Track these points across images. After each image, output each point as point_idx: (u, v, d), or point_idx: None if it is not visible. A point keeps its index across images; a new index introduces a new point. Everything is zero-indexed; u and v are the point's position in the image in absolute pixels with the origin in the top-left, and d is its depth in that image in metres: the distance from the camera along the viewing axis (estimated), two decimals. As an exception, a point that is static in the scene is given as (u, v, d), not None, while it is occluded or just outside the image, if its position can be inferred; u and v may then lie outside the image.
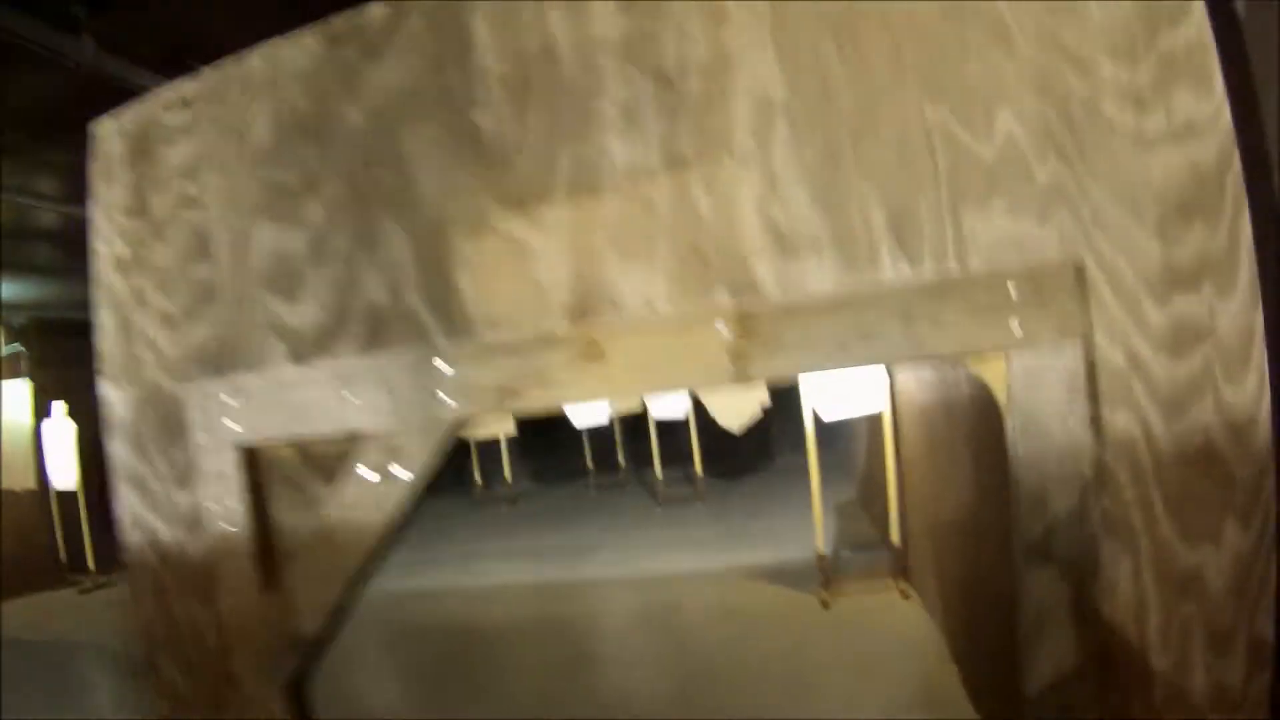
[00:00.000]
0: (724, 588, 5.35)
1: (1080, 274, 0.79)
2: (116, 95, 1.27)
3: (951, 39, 0.81)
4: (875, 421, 3.93)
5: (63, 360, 8.64)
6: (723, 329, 0.82)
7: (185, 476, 1.02)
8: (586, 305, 0.86)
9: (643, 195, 0.86)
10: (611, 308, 0.85)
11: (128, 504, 1.06)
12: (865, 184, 0.82)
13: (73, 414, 8.17)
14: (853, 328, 0.81)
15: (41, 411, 7.90)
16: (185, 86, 1.04)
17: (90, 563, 8.96)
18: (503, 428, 8.59)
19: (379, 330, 0.92)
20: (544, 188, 0.88)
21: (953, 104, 0.81)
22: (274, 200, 0.97)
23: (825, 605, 4.04)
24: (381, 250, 0.92)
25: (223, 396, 0.97)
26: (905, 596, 3.75)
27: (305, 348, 0.95)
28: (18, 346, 8.05)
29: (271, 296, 0.96)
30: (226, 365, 0.99)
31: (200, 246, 1.01)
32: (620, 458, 10.90)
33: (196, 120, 1.03)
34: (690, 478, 9.48)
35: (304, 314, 0.95)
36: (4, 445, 7.70)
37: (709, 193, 0.85)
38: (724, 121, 0.85)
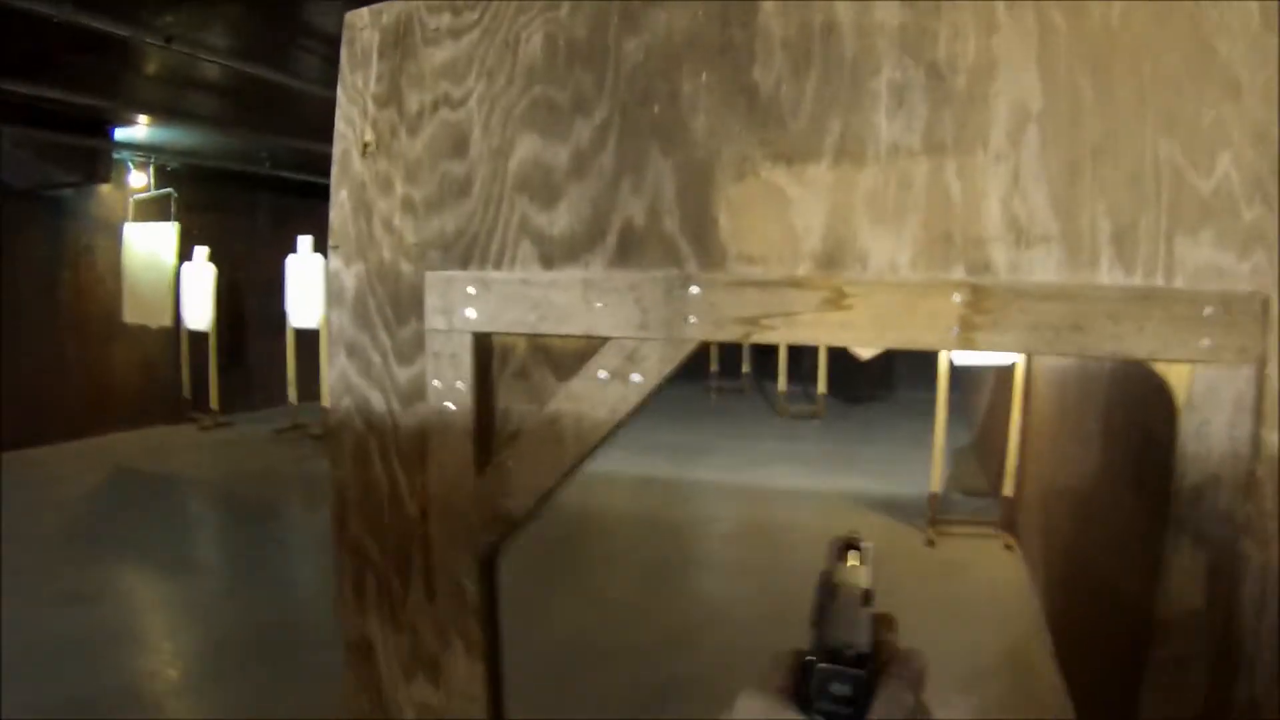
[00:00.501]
0: (830, 510, 5.49)
1: (1265, 307, 0.94)
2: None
3: (1190, 89, 0.95)
4: (1005, 374, 4.12)
5: (210, 207, 8.71)
6: (958, 300, 0.95)
7: (410, 354, 1.12)
8: (836, 257, 0.99)
9: (901, 170, 0.98)
10: (858, 264, 0.98)
11: (341, 370, 1.16)
12: (1097, 197, 0.96)
13: (213, 259, 8.24)
14: (1067, 318, 0.95)
15: (184, 255, 7.98)
16: None
17: (213, 402, 9.28)
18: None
19: (633, 248, 1.03)
20: (811, 148, 0.99)
21: (1183, 143, 0.95)
22: (541, 114, 1.07)
23: (930, 544, 4.21)
24: (645, 177, 1.03)
25: (466, 286, 1.07)
26: (1009, 549, 3.94)
27: (556, 253, 1.05)
28: (169, 190, 8.05)
29: (528, 201, 1.07)
30: (470, 258, 1.09)
31: (455, 144, 1.11)
32: (745, 364, 11.09)
33: (463, 26, 1.12)
34: (811, 395, 9.71)
35: (559, 222, 1.05)
36: (145, 284, 7.75)
37: (960, 179, 0.98)
38: (983, 119, 0.98)
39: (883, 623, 0.55)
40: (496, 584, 1.13)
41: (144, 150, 7.41)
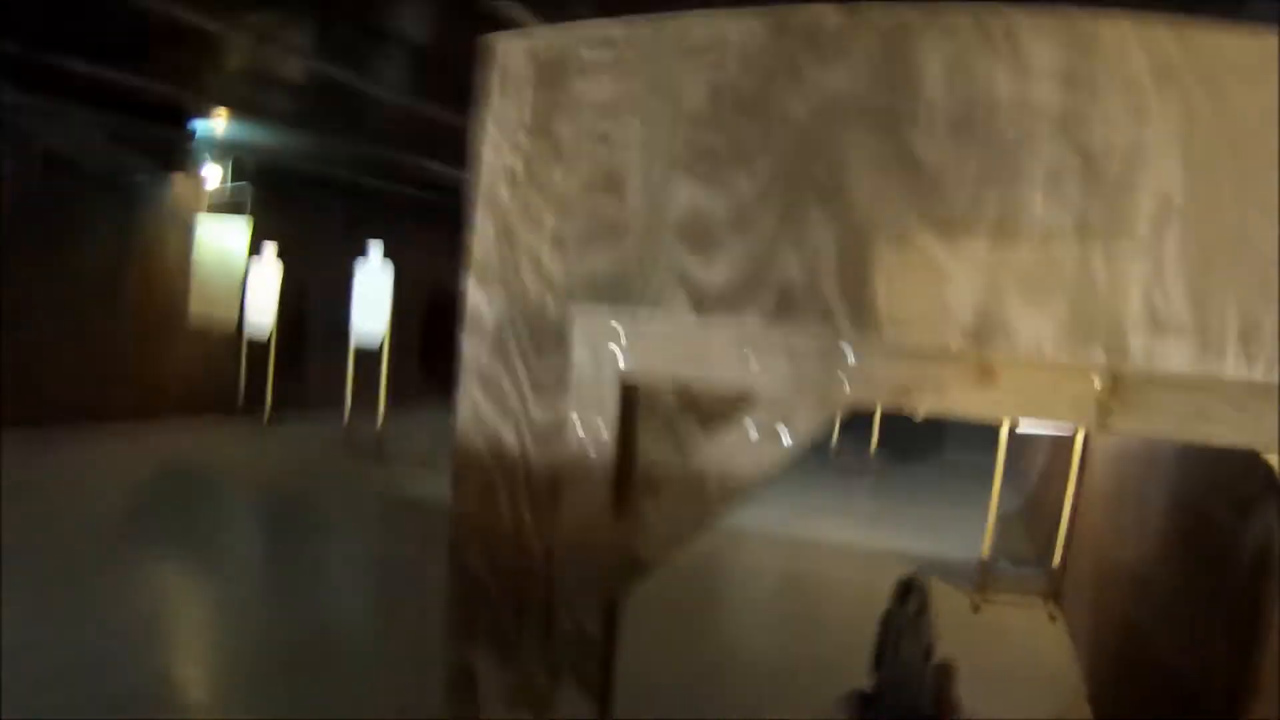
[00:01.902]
0: (877, 566, 5.55)
1: (1372, 403, 1.04)
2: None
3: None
4: (1062, 443, 4.23)
5: (281, 205, 8.76)
6: (1097, 383, 1.03)
7: (550, 391, 1.16)
8: (985, 332, 1.06)
9: (1052, 251, 1.06)
10: (1006, 340, 1.06)
11: (472, 401, 1.20)
12: (1228, 291, 1.05)
13: (280, 256, 8.27)
14: (1195, 407, 1.05)
15: (254, 249, 7.88)
16: (610, 28, 1.16)
17: (268, 399, 9.04)
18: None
19: (789, 306, 1.09)
20: (968, 223, 1.07)
21: (1312, 244, 1.04)
22: (699, 160, 1.12)
23: (975, 609, 4.28)
24: (805, 236, 1.09)
25: (613, 324, 1.11)
26: (1053, 620, 4.02)
27: (709, 301, 1.11)
28: (245, 183, 7.93)
29: (682, 247, 1.12)
30: (620, 298, 1.14)
31: (608, 182, 1.15)
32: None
33: (621, 63, 1.16)
34: (863, 450, 9.84)
35: (714, 271, 1.11)
36: (214, 281, 7.70)
37: (1106, 264, 1.06)
38: (1130, 206, 1.06)
39: (943, 673, 0.59)
40: (618, 628, 1.17)
41: (221, 144, 7.37)
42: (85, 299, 7.40)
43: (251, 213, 7.83)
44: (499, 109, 1.26)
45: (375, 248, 7.84)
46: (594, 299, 1.21)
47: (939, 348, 1.13)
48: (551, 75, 1.24)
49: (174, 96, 5.22)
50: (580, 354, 1.20)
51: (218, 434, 8.15)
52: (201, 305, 7.75)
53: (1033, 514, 5.82)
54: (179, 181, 7.98)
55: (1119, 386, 1.12)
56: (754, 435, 1.15)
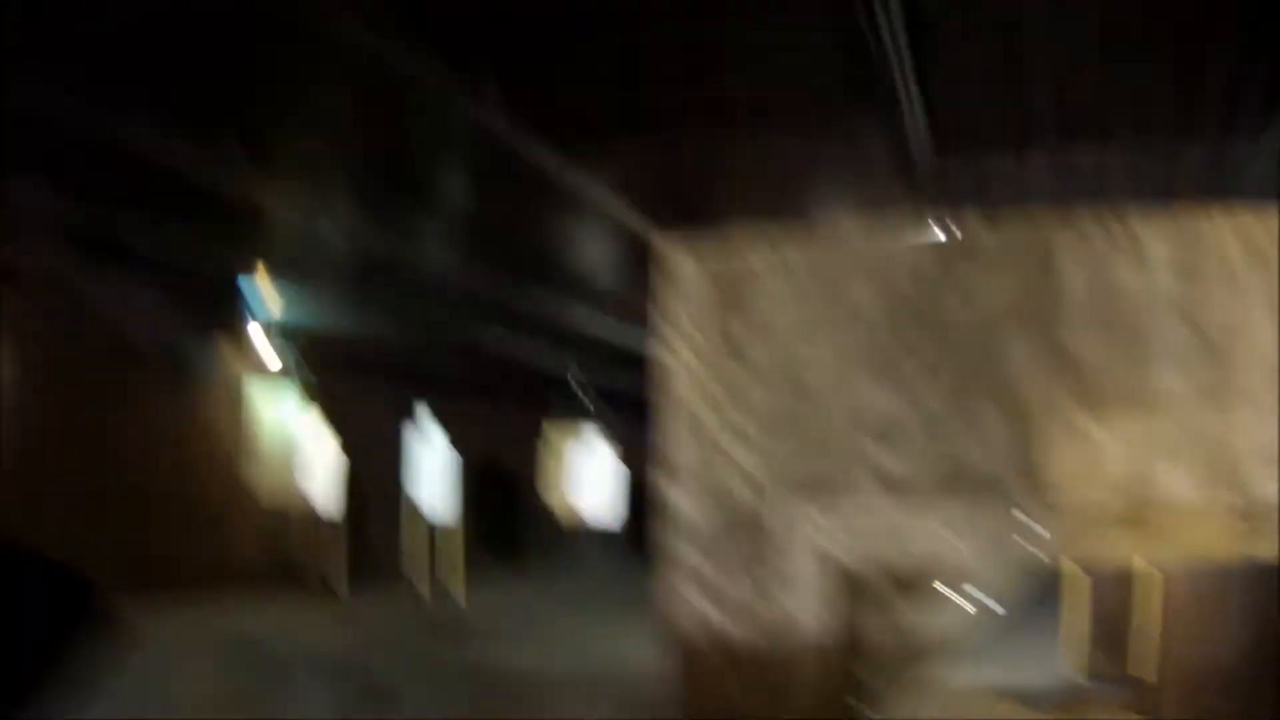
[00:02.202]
0: (955, 696, 5.47)
1: None
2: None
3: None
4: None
5: (330, 370, 8.32)
6: (1232, 519, 1.25)
7: (759, 579, 1.31)
8: (1133, 487, 1.26)
9: (1180, 413, 1.28)
10: (1151, 492, 1.26)
11: (685, 595, 1.33)
12: None
13: (334, 422, 7.81)
14: None
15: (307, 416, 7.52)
16: (781, 244, 1.33)
17: (334, 580, 8.86)
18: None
19: (968, 482, 1.28)
20: (1111, 398, 1.28)
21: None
22: (881, 365, 1.30)
23: None
24: (975, 422, 1.29)
25: (818, 516, 1.28)
26: None
27: (898, 484, 1.28)
28: (294, 348, 7.55)
29: (869, 440, 1.29)
30: (816, 489, 1.30)
31: (795, 387, 1.33)
32: None
33: (794, 272, 1.32)
34: None
35: (900, 458, 1.29)
36: (268, 444, 7.28)
37: (1224, 419, 1.28)
38: (1239, 370, 1.29)
39: None
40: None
41: (270, 312, 7.16)
42: (142, 471, 7.33)
43: (303, 380, 7.81)
44: (674, 314, 1.41)
45: (435, 433, 7.98)
46: (791, 491, 1.36)
47: (1097, 505, 1.33)
48: (732, 293, 1.40)
49: (223, 264, 5.33)
50: (792, 545, 1.35)
51: (291, 611, 7.93)
52: (258, 474, 7.67)
53: (1101, 628, 5.97)
54: (229, 347, 8.03)
55: (1250, 518, 1.35)
56: (951, 596, 1.33)
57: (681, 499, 1.40)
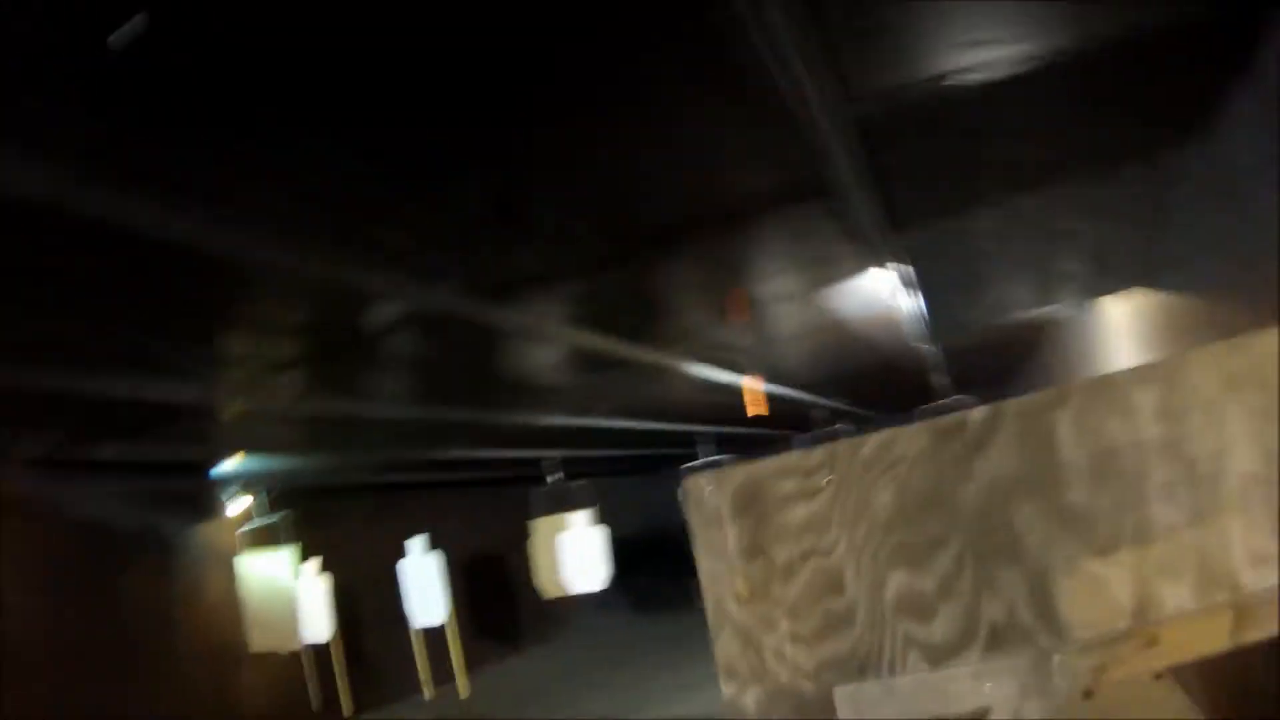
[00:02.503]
0: None
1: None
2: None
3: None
4: None
5: (310, 520, 8.32)
6: (1227, 616, 1.42)
7: None
8: (1143, 611, 1.42)
9: (1176, 540, 1.42)
10: (1158, 611, 1.42)
11: None
12: None
13: (325, 568, 7.96)
14: None
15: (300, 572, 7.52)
16: (797, 459, 1.41)
17: (345, 709, 8.99)
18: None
19: (1000, 638, 1.43)
20: (1115, 541, 1.41)
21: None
22: (903, 552, 1.41)
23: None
24: (998, 587, 1.42)
25: (871, 695, 1.42)
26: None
27: (940, 656, 1.43)
28: (282, 514, 7.48)
29: (907, 621, 1.43)
30: (865, 671, 1.44)
31: (831, 585, 1.44)
32: None
33: (814, 489, 1.44)
34: None
35: (937, 633, 1.43)
36: (270, 612, 7.29)
37: (1216, 534, 1.42)
38: (1225, 488, 1.42)
39: None
40: None
41: (240, 480, 7.01)
42: (137, 656, 7.27)
43: (293, 540, 7.77)
44: (706, 539, 1.50)
45: (415, 544, 7.93)
46: (841, 678, 1.50)
47: (1115, 633, 1.48)
48: (749, 506, 1.48)
49: (193, 455, 5.34)
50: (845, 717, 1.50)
51: None
52: (264, 644, 7.71)
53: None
54: (212, 526, 8.05)
55: (1240, 611, 1.51)
56: (998, 740, 1.50)
57: (736, 694, 1.53)
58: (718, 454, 9.48)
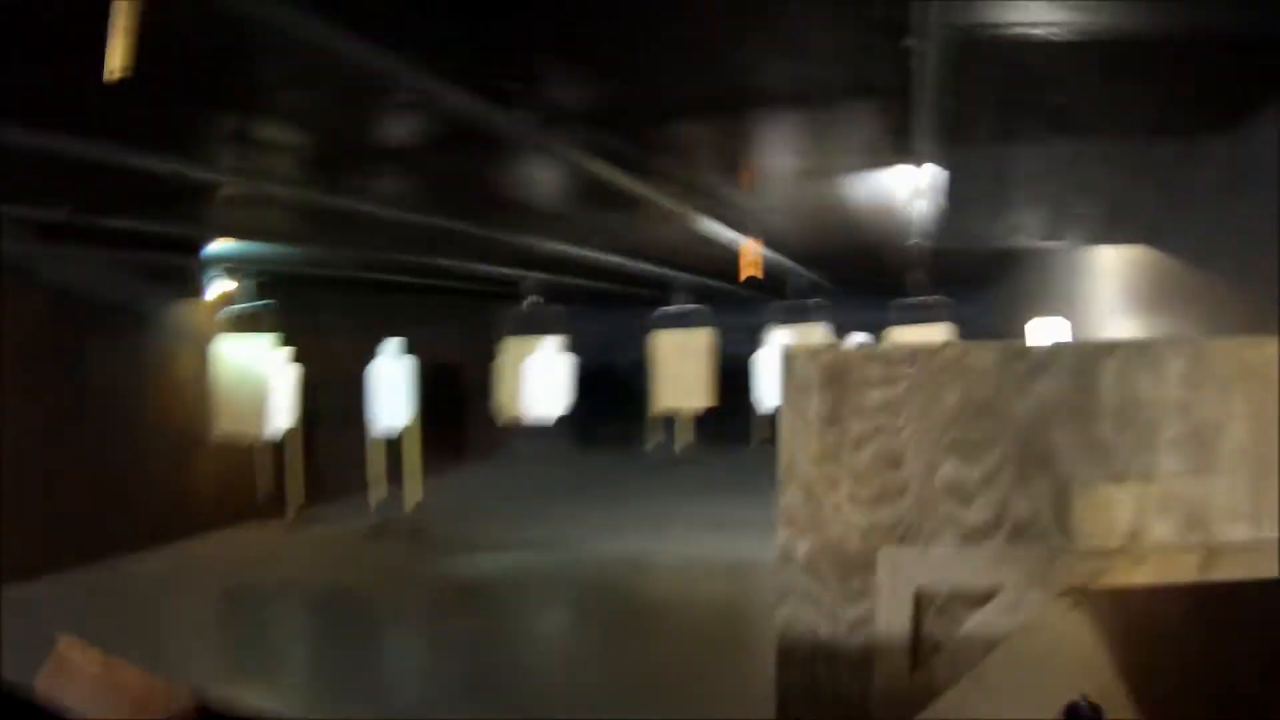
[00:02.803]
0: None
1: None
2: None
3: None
4: None
5: (289, 310, 8.25)
6: (1198, 555, 1.74)
7: (856, 599, 1.76)
8: (1137, 535, 1.75)
9: (1172, 485, 1.75)
10: (1148, 537, 1.74)
11: (794, 608, 1.78)
12: (1273, 492, 1.76)
13: (300, 359, 7.89)
14: (1254, 560, 1.77)
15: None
16: (882, 352, 1.72)
17: (296, 498, 9.01)
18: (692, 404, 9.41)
19: (1020, 530, 1.77)
20: (1125, 474, 1.75)
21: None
22: (958, 446, 1.73)
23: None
24: (1029, 491, 1.74)
25: (908, 557, 1.73)
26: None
27: (970, 536, 1.74)
28: (269, 301, 7.44)
29: (951, 503, 1.76)
30: (907, 538, 1.75)
31: (892, 460, 1.76)
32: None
33: (894, 377, 1.74)
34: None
35: (973, 517, 1.76)
36: (241, 397, 7.24)
37: (1203, 489, 1.75)
38: (1219, 454, 1.76)
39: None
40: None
41: (226, 262, 7.06)
42: (101, 428, 7.34)
43: (274, 328, 7.78)
44: (794, 402, 1.79)
45: (389, 345, 7.98)
46: (886, 540, 1.79)
47: (1113, 547, 1.80)
48: (834, 380, 1.78)
49: (179, 232, 5.38)
50: (884, 576, 1.79)
51: (248, 541, 8.08)
52: (228, 424, 7.71)
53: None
54: (191, 305, 8.08)
55: (1210, 556, 1.83)
56: (1003, 612, 1.80)
57: (793, 539, 1.82)
58: (691, 304, 9.58)
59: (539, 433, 13.21)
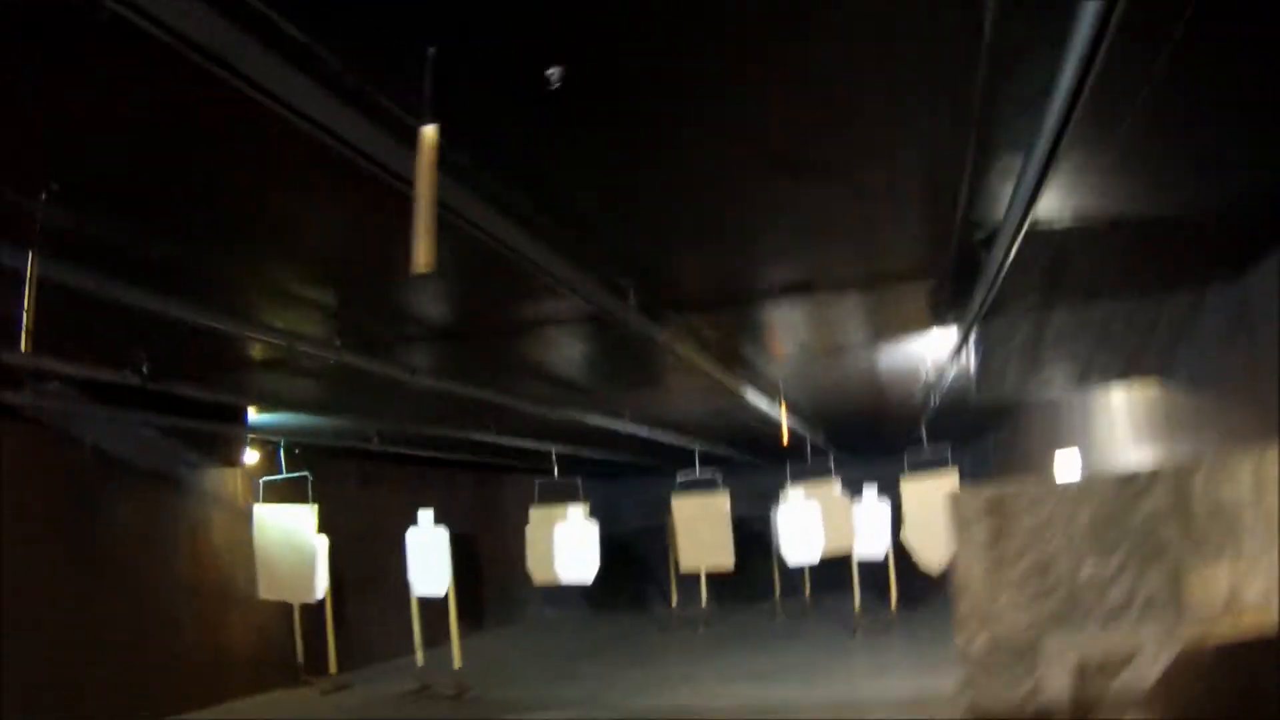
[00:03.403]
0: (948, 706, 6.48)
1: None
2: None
3: None
4: None
5: (318, 479, 8.55)
6: (1276, 614, 2.29)
7: (1025, 680, 2.28)
8: (1232, 602, 2.28)
9: (1254, 561, 2.29)
10: (1240, 603, 2.28)
11: (978, 698, 2.30)
12: None
13: (323, 529, 8.19)
14: None
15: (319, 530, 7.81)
16: (1032, 487, 2.26)
17: (332, 666, 9.26)
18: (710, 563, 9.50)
19: (1146, 609, 2.27)
20: (1219, 557, 2.28)
21: None
22: (1093, 550, 2.27)
23: None
24: (1148, 577, 2.26)
25: (1063, 641, 2.25)
26: None
27: (1108, 618, 2.28)
28: (306, 474, 7.77)
29: (1092, 593, 2.27)
30: (1059, 626, 2.27)
31: (1042, 568, 2.29)
32: (807, 587, 11.67)
33: (1039, 505, 2.26)
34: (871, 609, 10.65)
35: (1108, 603, 2.27)
36: (285, 564, 7.60)
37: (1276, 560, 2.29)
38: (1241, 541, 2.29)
39: None
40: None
41: (263, 432, 7.45)
42: (139, 593, 7.51)
43: (314, 498, 8.16)
44: (964, 532, 2.32)
45: (425, 516, 8.61)
46: (1044, 629, 2.32)
47: (1215, 615, 2.34)
48: (997, 512, 2.31)
49: (221, 399, 5.66)
50: (1046, 657, 2.32)
51: (289, 705, 8.24)
52: (274, 593, 8.14)
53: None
54: (226, 472, 8.36)
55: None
56: (1138, 674, 2.33)
57: (973, 640, 2.34)
58: (701, 470, 10.17)
59: (555, 597, 13.72)
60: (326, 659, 8.96)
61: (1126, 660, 2.42)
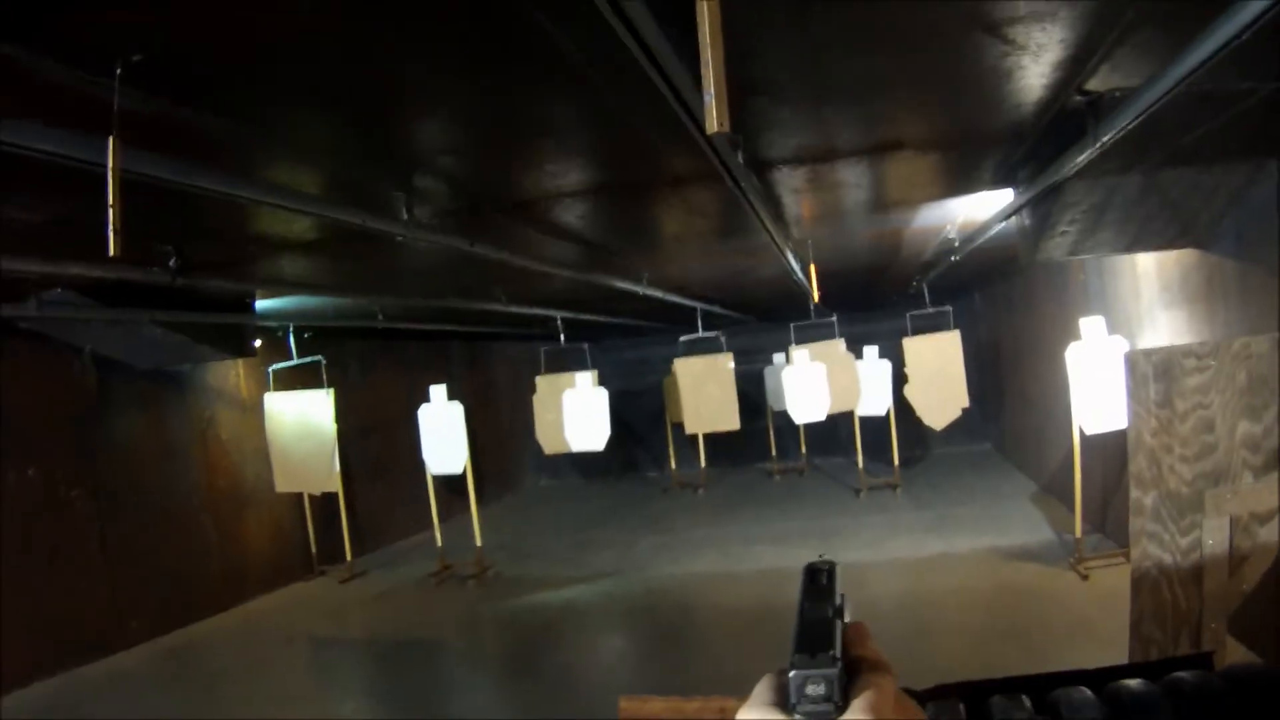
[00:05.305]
0: (978, 568, 6.56)
1: None
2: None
3: None
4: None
5: (343, 362, 7.77)
6: None
7: (1188, 529, 2.47)
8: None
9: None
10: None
11: (1148, 549, 2.47)
12: None
13: (348, 410, 7.50)
14: None
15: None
16: (1195, 347, 2.42)
17: (347, 553, 8.91)
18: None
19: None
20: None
21: None
22: (1246, 410, 2.45)
23: (1085, 578, 5.69)
24: None
25: (1225, 495, 2.44)
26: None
27: (1259, 472, 2.47)
28: (318, 357, 6.99)
29: (1244, 451, 2.46)
30: (1218, 481, 2.45)
31: (1206, 427, 2.49)
32: (803, 447, 11.42)
33: (1205, 366, 2.44)
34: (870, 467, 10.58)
35: (1258, 459, 2.47)
36: (301, 452, 6.89)
37: None
38: None
39: (854, 631, 0.64)
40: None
41: (270, 319, 6.92)
42: (144, 497, 7.32)
43: (328, 383, 7.70)
44: (1137, 392, 2.45)
45: (437, 392, 8.34)
46: (1207, 484, 2.48)
47: None
48: (1167, 373, 2.45)
49: (221, 289, 5.33)
50: (1210, 512, 2.48)
51: (312, 598, 8.00)
52: (291, 484, 7.83)
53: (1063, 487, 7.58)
54: (234, 367, 8.06)
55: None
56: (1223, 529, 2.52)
57: (1141, 493, 2.48)
58: (708, 332, 9.95)
59: (549, 465, 13.43)
60: (339, 547, 8.78)
61: (1273, 513, 2.61)
